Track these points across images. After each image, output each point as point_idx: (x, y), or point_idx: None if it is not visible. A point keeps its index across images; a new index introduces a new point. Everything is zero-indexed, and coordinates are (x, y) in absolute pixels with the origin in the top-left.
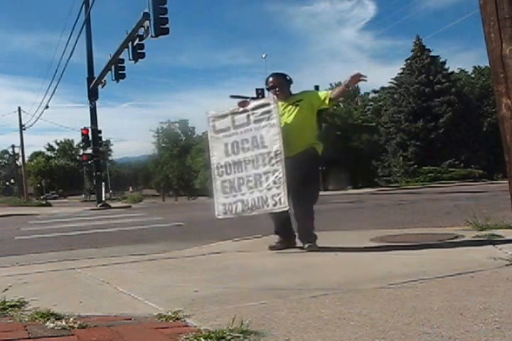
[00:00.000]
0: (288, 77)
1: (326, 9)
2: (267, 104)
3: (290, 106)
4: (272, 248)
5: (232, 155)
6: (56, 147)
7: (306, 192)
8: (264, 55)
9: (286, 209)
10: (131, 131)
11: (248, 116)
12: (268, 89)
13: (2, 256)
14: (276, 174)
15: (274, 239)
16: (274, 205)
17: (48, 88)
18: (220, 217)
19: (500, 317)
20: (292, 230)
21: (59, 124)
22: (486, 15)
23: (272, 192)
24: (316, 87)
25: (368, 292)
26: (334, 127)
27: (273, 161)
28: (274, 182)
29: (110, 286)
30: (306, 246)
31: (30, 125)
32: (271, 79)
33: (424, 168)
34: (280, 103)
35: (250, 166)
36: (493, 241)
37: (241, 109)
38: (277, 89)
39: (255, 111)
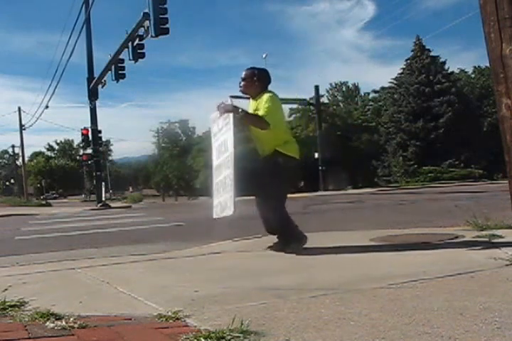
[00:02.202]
0: (256, 74)
1: (325, 9)
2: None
3: (252, 109)
4: (270, 248)
5: (216, 159)
6: (56, 147)
7: (267, 197)
8: (264, 55)
9: (230, 213)
10: (131, 131)
11: (223, 119)
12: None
13: (2, 256)
14: (231, 177)
15: (274, 239)
16: (227, 208)
17: (47, 88)
18: (215, 217)
19: (500, 317)
20: None
21: (59, 124)
22: (486, 15)
23: (229, 194)
24: (316, 87)
25: (368, 292)
26: (334, 127)
27: (229, 164)
28: (230, 185)
29: (110, 286)
30: (286, 249)
31: (30, 125)
32: (243, 73)
33: (424, 168)
34: (251, 101)
35: (223, 169)
36: (493, 241)
37: (219, 114)
38: (240, 81)
39: (224, 115)
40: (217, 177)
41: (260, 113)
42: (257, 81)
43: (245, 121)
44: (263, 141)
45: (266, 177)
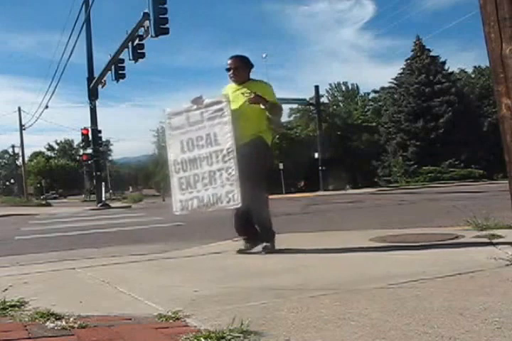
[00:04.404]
0: (247, 61)
1: (325, 9)
2: (220, 102)
3: (242, 94)
4: (241, 251)
5: (188, 152)
6: (56, 147)
7: (252, 185)
8: (264, 55)
9: (238, 205)
10: (131, 131)
11: (202, 113)
12: (227, 70)
13: (2, 256)
14: (230, 171)
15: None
16: (228, 202)
17: (47, 88)
18: (177, 213)
19: (500, 317)
20: (254, 228)
21: (59, 124)
22: (486, 15)
23: (226, 189)
24: (316, 87)
25: (368, 292)
26: (334, 127)
27: (226, 158)
28: (228, 179)
29: (110, 286)
30: (262, 247)
31: (30, 125)
32: (229, 61)
33: (424, 167)
34: (234, 86)
35: (205, 163)
36: (493, 241)
37: (194, 107)
38: (233, 71)
39: (209, 109)
40: (189, 170)
41: (273, 100)
42: (248, 68)
43: (272, 109)
44: (250, 126)
45: (251, 164)
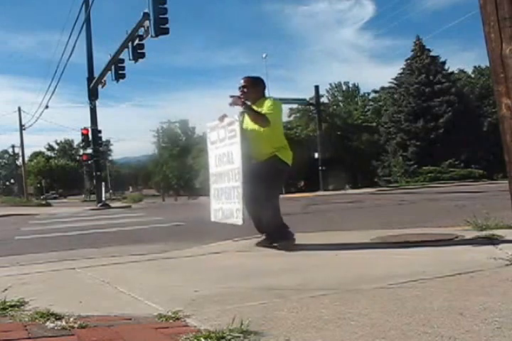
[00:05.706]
0: (258, 81)
1: (325, 9)
2: (233, 122)
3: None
4: (258, 244)
5: (218, 166)
6: (56, 147)
7: (264, 200)
8: (264, 55)
9: (239, 223)
10: (131, 131)
11: (225, 131)
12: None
13: (2, 256)
14: (240, 190)
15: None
16: (236, 218)
17: (47, 88)
18: (212, 220)
19: (500, 317)
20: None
21: (59, 124)
22: (486, 15)
23: (236, 206)
24: (316, 87)
25: (368, 292)
26: (334, 127)
27: (237, 177)
28: (237, 197)
29: (110, 286)
30: (278, 244)
31: (30, 125)
32: (241, 81)
33: (424, 167)
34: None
35: (226, 179)
36: (493, 241)
37: (220, 125)
38: (242, 91)
39: (228, 128)
40: (218, 183)
41: (263, 111)
42: (258, 88)
43: (249, 114)
44: (262, 145)
45: (264, 181)
